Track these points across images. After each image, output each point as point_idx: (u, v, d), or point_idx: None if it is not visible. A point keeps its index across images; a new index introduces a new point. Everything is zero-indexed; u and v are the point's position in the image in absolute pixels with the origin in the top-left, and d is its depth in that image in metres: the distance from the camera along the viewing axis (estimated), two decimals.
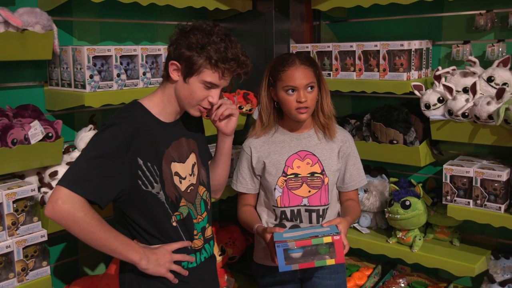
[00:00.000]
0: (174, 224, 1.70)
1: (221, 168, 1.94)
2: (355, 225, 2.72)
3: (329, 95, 2.08)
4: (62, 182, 1.50)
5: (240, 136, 2.43)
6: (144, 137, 1.62)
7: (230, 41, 1.64)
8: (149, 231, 1.68)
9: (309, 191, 2.05)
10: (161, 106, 1.70)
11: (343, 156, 2.11)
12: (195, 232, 1.77)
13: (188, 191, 1.75)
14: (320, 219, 2.07)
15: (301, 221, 2.07)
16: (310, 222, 2.07)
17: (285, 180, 2.05)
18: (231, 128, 1.84)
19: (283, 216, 2.07)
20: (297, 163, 2.06)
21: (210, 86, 1.66)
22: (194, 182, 1.78)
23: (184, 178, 1.74)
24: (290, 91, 1.98)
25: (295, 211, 2.06)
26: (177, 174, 1.71)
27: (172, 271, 1.68)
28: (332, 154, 2.09)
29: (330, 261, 1.74)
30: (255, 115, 2.78)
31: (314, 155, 2.07)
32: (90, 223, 1.50)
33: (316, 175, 2.06)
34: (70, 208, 1.47)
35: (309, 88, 1.98)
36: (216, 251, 2.68)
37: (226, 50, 1.61)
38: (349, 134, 2.19)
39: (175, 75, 1.65)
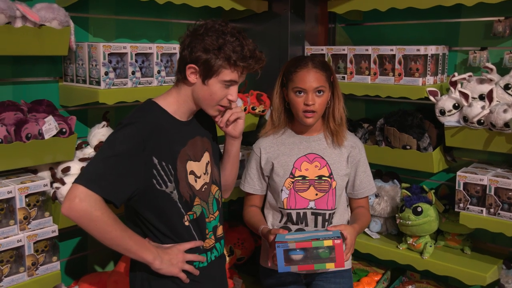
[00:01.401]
0: (187, 223, 1.70)
1: (229, 170, 1.94)
2: (365, 229, 2.70)
3: (341, 102, 2.08)
4: (79, 181, 1.49)
5: (251, 137, 2.42)
6: (160, 136, 1.62)
7: (243, 38, 1.64)
8: (161, 230, 1.67)
9: (316, 194, 2.04)
10: (176, 106, 1.70)
11: (353, 162, 2.11)
12: (206, 231, 1.77)
13: (203, 190, 1.75)
14: (326, 223, 2.07)
15: (306, 225, 2.07)
16: (316, 226, 2.06)
17: (293, 182, 2.05)
18: (238, 131, 1.84)
19: (289, 219, 2.07)
20: (305, 166, 2.06)
21: (229, 84, 1.66)
22: (208, 181, 1.78)
23: (199, 177, 1.74)
24: (298, 93, 1.99)
25: (301, 214, 2.06)
26: (192, 172, 1.71)
27: (184, 271, 1.68)
28: (341, 159, 2.08)
29: (330, 265, 1.76)
30: (268, 116, 2.77)
31: (323, 158, 2.07)
32: (106, 222, 1.50)
33: (324, 178, 2.05)
34: (87, 206, 1.47)
35: (318, 92, 1.98)
36: (224, 251, 2.68)
37: (242, 48, 1.61)
38: (359, 140, 2.18)
39: (193, 78, 1.64)
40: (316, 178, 2.05)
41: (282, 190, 2.06)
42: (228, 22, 1.66)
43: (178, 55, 1.71)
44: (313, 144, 2.09)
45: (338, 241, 1.73)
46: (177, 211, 1.68)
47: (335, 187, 2.05)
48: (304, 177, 2.05)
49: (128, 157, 1.54)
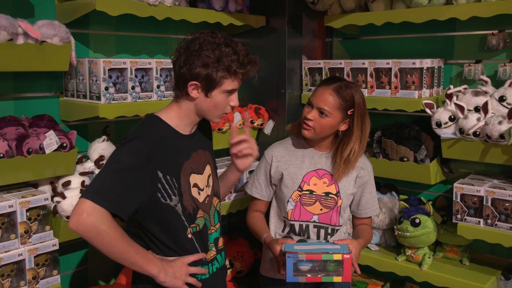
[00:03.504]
0: (190, 236, 1.72)
1: (222, 192, 1.97)
2: None
3: (357, 143, 2.05)
4: (86, 195, 1.51)
5: None
6: (165, 150, 1.64)
7: (235, 45, 1.67)
8: (165, 243, 1.69)
9: (321, 209, 2.07)
10: (178, 120, 1.72)
11: (361, 182, 2.13)
12: (208, 243, 1.78)
13: (205, 202, 1.78)
14: (328, 236, 2.08)
15: (308, 237, 2.08)
16: (318, 238, 2.08)
17: (300, 195, 2.07)
18: (245, 166, 1.89)
19: (292, 229, 2.08)
20: (314, 181, 2.09)
21: (230, 92, 1.69)
22: (210, 193, 1.80)
23: (202, 190, 1.76)
24: (308, 104, 2.05)
25: (304, 226, 2.08)
26: (196, 185, 1.73)
27: (187, 283, 1.69)
28: (349, 178, 2.11)
29: (337, 279, 1.79)
30: (266, 130, 2.80)
31: (332, 176, 2.09)
32: (113, 236, 1.51)
33: (330, 195, 2.08)
34: (94, 221, 1.48)
35: (321, 112, 2.00)
36: (226, 262, 2.68)
37: (238, 56, 1.64)
38: (369, 162, 2.20)
39: (195, 94, 1.67)
40: (323, 194, 2.08)
41: (288, 201, 2.08)
42: (217, 32, 1.69)
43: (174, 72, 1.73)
44: (324, 160, 2.12)
45: (347, 256, 1.77)
46: (180, 223, 1.69)
47: (340, 205, 2.08)
48: (311, 192, 2.07)
49: (134, 171, 1.56)
